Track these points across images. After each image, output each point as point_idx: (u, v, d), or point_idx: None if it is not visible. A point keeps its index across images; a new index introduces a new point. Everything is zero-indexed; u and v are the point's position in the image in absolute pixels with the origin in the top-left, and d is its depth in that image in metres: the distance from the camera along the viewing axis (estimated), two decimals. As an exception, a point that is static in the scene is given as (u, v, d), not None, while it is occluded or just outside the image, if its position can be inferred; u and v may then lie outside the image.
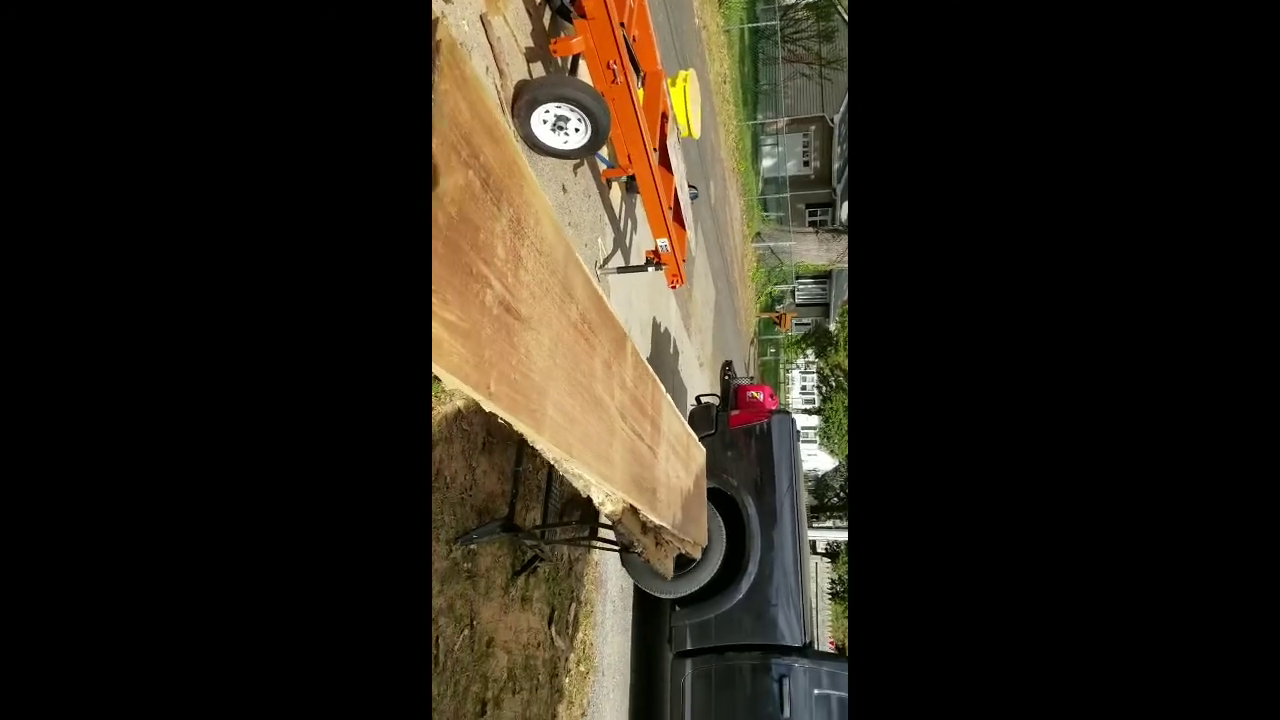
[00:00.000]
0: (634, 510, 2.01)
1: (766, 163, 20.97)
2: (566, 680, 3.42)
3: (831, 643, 20.56)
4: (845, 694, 3.96)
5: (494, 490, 2.78)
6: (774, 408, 5.12)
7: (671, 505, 2.28)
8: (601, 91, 3.29)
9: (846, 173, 18.01)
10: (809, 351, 25.86)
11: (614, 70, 3.24)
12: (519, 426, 1.17)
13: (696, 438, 3.01)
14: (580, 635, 3.65)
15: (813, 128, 21.50)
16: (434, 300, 0.94)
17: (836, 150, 20.97)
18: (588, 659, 3.75)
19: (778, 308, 21.20)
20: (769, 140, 20.69)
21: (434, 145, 0.98)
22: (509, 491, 2.79)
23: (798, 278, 21.27)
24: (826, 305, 24.68)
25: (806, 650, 4.07)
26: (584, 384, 1.46)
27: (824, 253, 17.93)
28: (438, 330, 0.93)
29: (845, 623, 21.86)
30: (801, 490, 4.81)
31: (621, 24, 3.17)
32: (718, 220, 11.56)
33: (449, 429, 2.51)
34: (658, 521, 2.12)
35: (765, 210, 19.30)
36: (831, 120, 20.47)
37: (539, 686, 3.10)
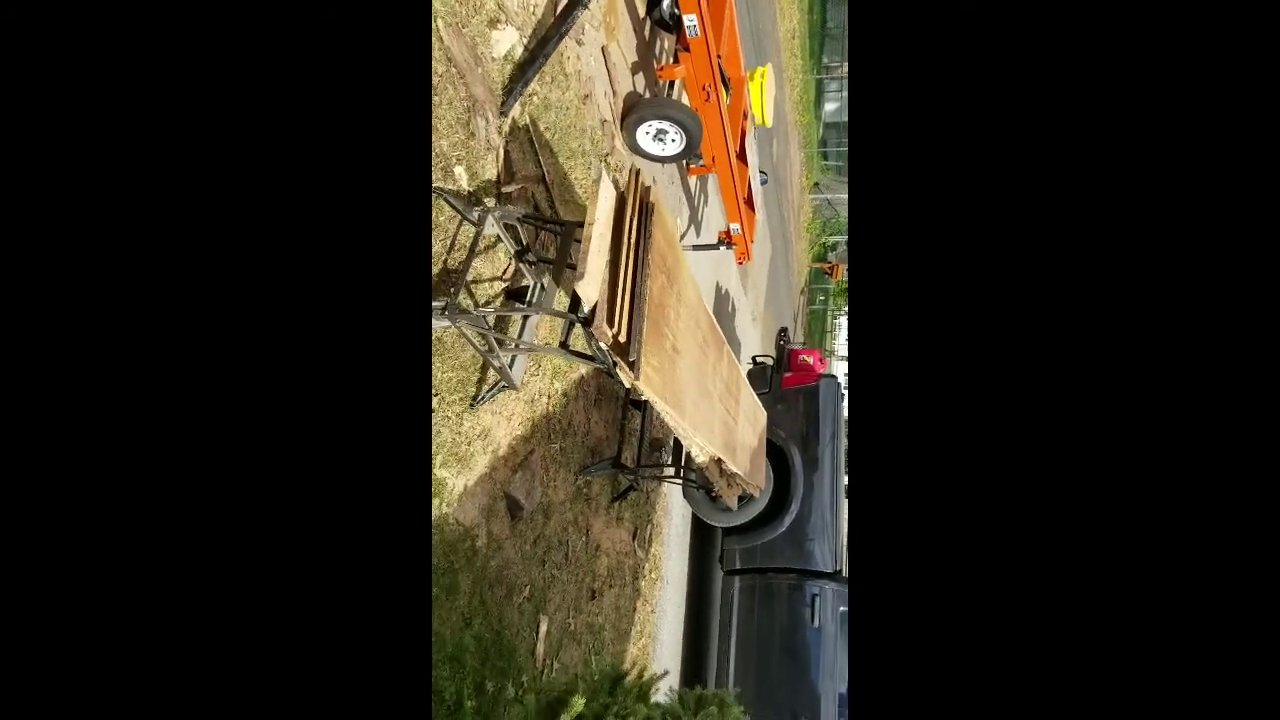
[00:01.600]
0: (718, 461, 2.81)
1: (829, 107, 20.69)
2: (643, 583, 4.34)
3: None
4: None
5: (602, 435, 3.62)
6: (822, 371, 5.82)
7: (744, 458, 3.08)
8: (695, 109, 3.91)
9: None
10: (859, 300, 25.72)
11: (707, 91, 3.85)
12: (672, 411, 1.96)
13: (761, 405, 3.76)
14: (653, 549, 4.56)
15: (880, 72, 20.98)
16: (648, 355, 1.71)
17: (902, 98, 20.43)
18: (657, 569, 4.67)
19: (830, 257, 21.40)
20: (833, 85, 20.35)
21: (651, 263, 1.73)
22: (614, 438, 3.63)
23: (853, 228, 21.34)
24: (880, 254, 24.55)
25: (836, 575, 4.91)
26: (702, 382, 2.25)
27: (881, 205, 17.93)
28: (649, 371, 1.71)
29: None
30: (842, 445, 5.55)
31: (718, 55, 3.76)
32: (778, 177, 11.92)
33: (575, 390, 3.33)
34: (735, 470, 2.92)
35: (825, 157, 19.23)
36: (900, 67, 19.87)
37: (625, 585, 4.03)
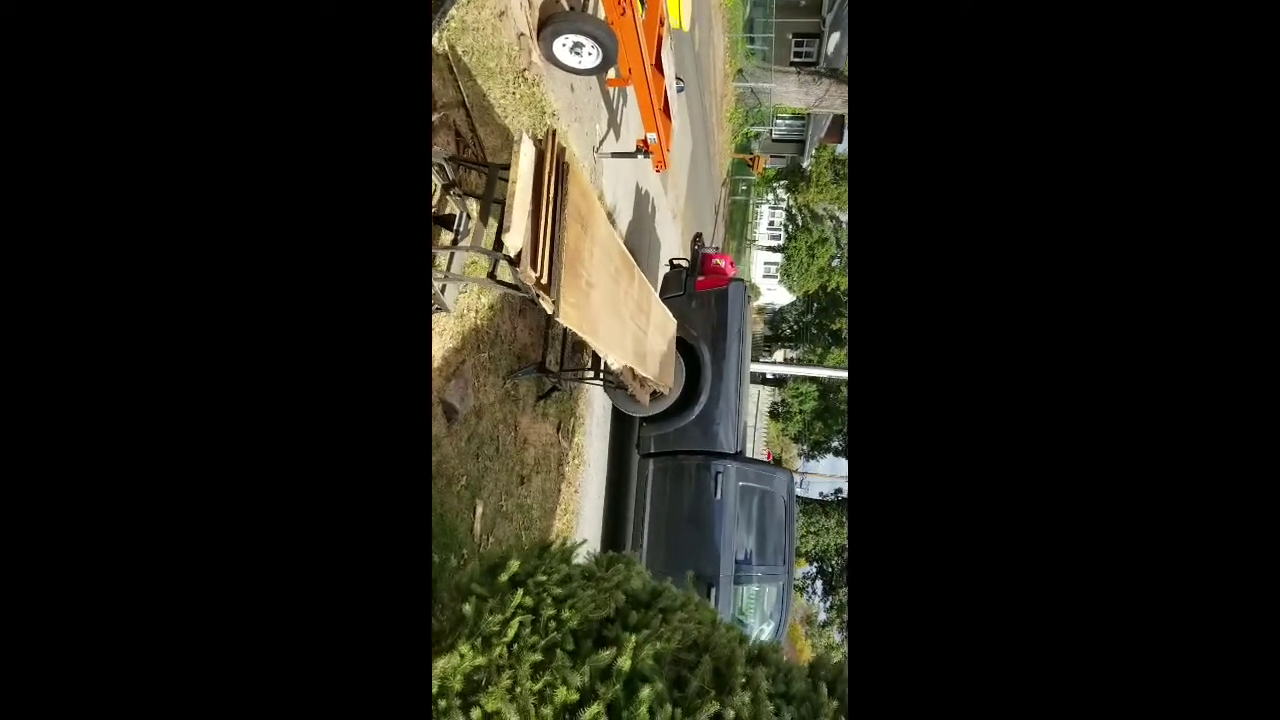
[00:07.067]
0: (631, 368, 3.24)
1: (757, -19, 20.05)
2: (567, 469, 4.88)
3: (768, 454, 23.40)
4: (765, 488, 5.59)
5: (527, 342, 3.97)
6: (733, 275, 6.27)
7: (654, 364, 3.52)
8: (611, 23, 3.99)
9: (837, 4, 17.60)
10: (779, 190, 26.20)
11: (623, 6, 3.93)
12: (588, 338, 2.34)
13: (670, 315, 4.18)
14: (576, 439, 5.08)
15: (809, -50, 20.33)
16: (566, 295, 2.06)
17: (829, -20, 19.98)
18: (580, 456, 5.22)
19: (753, 147, 21.45)
20: (762, -38, 19.58)
21: (567, 217, 2.05)
22: (539, 343, 3.99)
23: (776, 117, 21.33)
24: (802, 142, 24.85)
25: (737, 455, 5.62)
26: (615, 307, 2.62)
27: (803, 95, 17.99)
28: (568, 308, 2.07)
29: (782, 439, 24.87)
30: (748, 341, 6.12)
31: (634, -28, 3.82)
32: (700, 65, 11.76)
33: (501, 302, 3.63)
34: (645, 374, 3.37)
35: (750, 36, 18.83)
36: (829, -54, 19.28)
37: (551, 471, 4.54)
